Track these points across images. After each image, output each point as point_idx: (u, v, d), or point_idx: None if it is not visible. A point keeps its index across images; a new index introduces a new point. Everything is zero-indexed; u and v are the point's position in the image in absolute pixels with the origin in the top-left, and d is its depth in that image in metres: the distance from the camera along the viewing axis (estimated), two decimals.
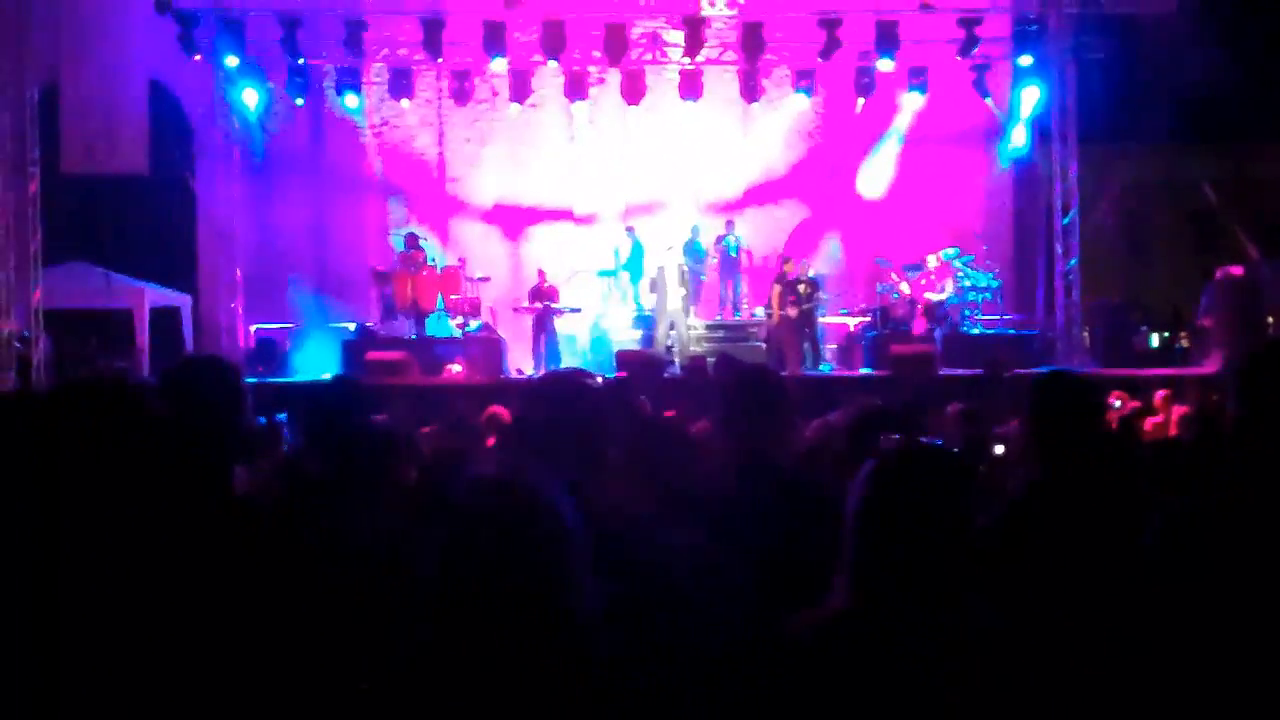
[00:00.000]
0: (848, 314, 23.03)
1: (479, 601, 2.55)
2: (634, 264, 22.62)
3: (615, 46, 21.64)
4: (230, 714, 2.76)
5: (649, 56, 22.94)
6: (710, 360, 18.41)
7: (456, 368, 19.85)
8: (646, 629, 2.90)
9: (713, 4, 23.08)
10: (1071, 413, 4.32)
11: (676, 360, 19.96)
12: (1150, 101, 22.95)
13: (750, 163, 24.61)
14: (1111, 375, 16.82)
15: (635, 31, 22.30)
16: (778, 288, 21.09)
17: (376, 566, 3.76)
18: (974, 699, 2.82)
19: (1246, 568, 3.38)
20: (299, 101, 22.95)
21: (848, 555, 2.99)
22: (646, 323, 21.70)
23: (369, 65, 23.05)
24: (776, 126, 24.45)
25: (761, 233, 23.81)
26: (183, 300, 23.32)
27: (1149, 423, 10.82)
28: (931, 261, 21.67)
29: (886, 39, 21.38)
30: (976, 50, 21.90)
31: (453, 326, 21.57)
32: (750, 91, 22.79)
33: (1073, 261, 22.29)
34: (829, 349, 22.03)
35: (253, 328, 23.09)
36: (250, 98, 22.78)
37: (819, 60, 22.10)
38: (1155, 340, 23.29)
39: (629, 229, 23.00)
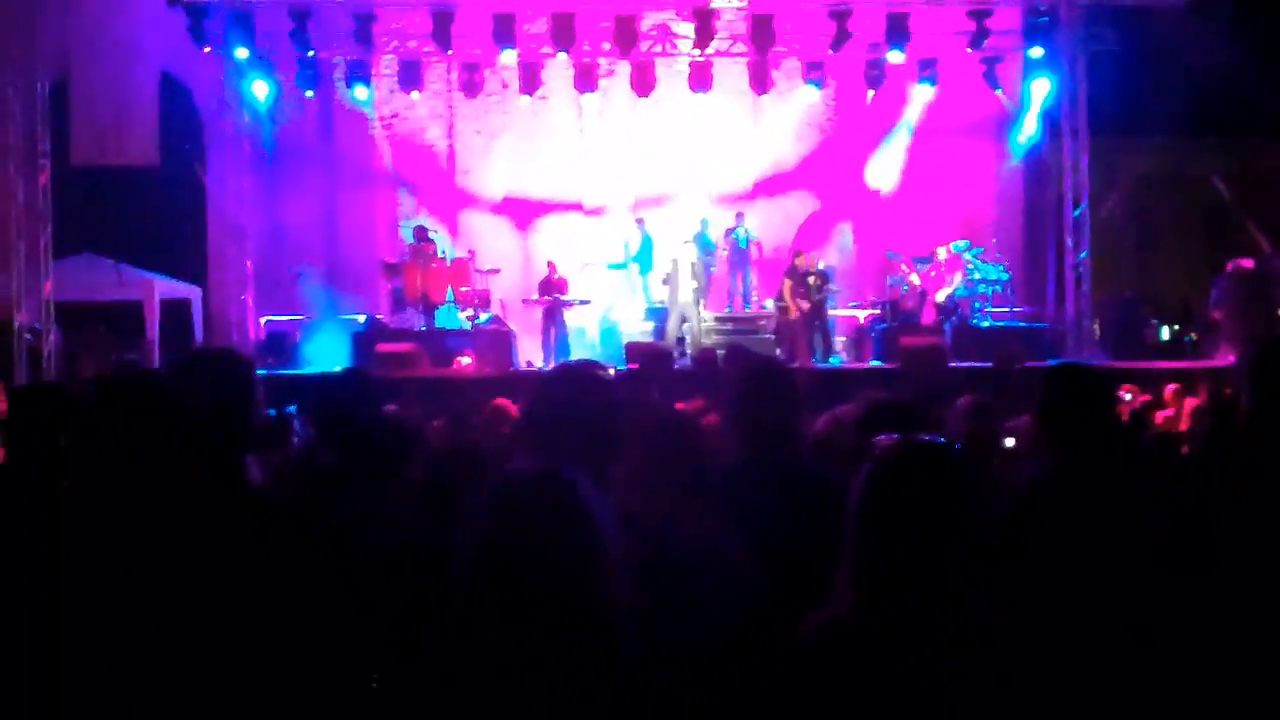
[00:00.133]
0: (858, 306, 23.02)
1: (515, 599, 2.53)
2: (644, 256, 22.63)
3: (625, 38, 21.63)
4: (247, 705, 2.76)
5: (659, 48, 22.91)
6: (720, 353, 18.40)
7: (466, 360, 19.83)
8: (658, 626, 2.90)
9: None
10: (1082, 406, 4.31)
11: (688, 353, 19.95)
12: (1161, 94, 22.88)
13: (760, 155, 24.60)
14: (1121, 368, 16.81)
15: (645, 23, 22.28)
16: (789, 281, 21.09)
17: (388, 560, 3.76)
18: (979, 698, 2.81)
19: (1260, 562, 3.37)
20: (309, 94, 22.96)
21: (849, 554, 2.98)
22: (657, 315, 21.71)
23: (378, 57, 23.04)
24: (786, 118, 24.43)
25: (771, 225, 23.80)
26: (193, 292, 23.32)
27: (1159, 416, 10.80)
28: (941, 254, 21.63)
29: (897, 31, 21.35)
30: (987, 42, 21.86)
31: (462, 319, 21.57)
32: (760, 83, 22.76)
33: (1083, 254, 22.25)
34: (839, 341, 22.02)
35: (263, 320, 23.11)
36: (260, 90, 22.80)
37: (829, 52, 22.08)
38: (1165, 333, 23.25)
39: (638, 221, 23.01)
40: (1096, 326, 22.41)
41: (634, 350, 18.83)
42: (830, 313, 21.54)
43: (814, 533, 3.54)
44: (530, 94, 22.83)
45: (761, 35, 21.53)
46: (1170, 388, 12.37)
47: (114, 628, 2.72)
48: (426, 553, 3.69)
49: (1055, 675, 3.11)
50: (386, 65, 23.41)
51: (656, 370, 16.68)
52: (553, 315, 21.62)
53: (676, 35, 22.85)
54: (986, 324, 21.51)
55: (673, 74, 22.83)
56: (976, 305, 21.81)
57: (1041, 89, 22.86)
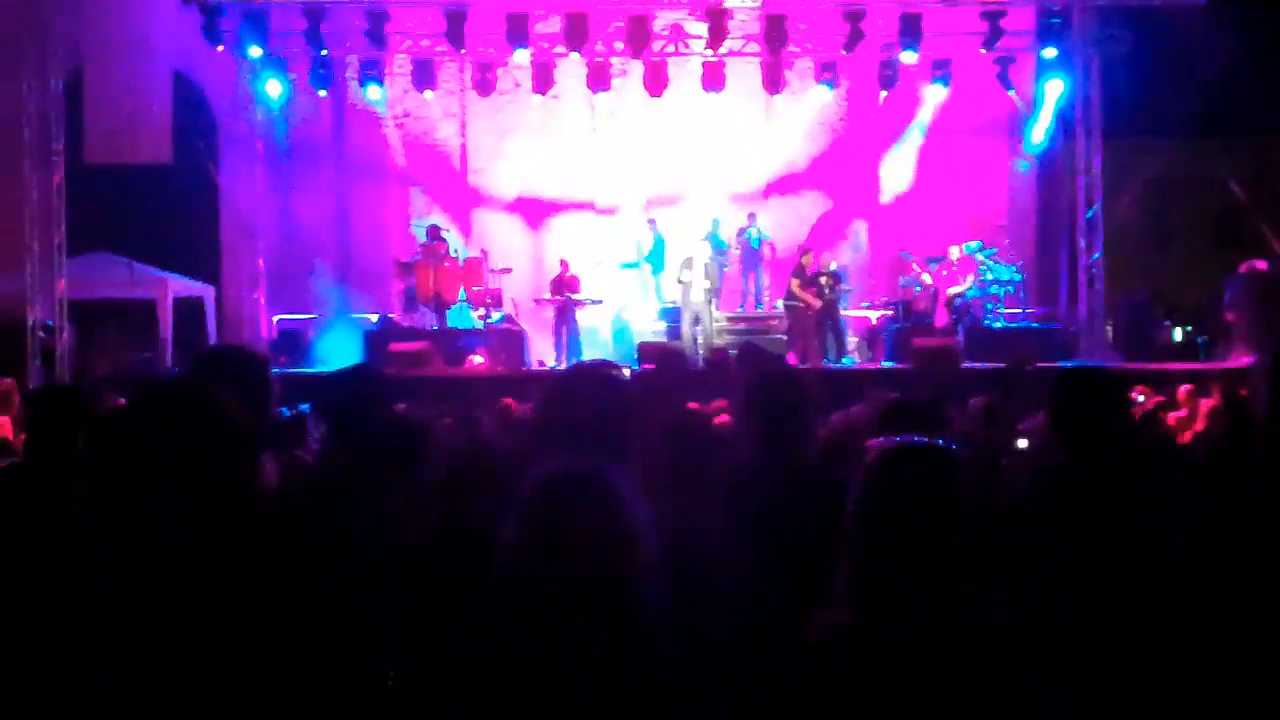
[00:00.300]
0: (870, 307, 23.01)
1: (556, 596, 2.52)
2: (656, 256, 22.63)
3: (638, 38, 21.61)
4: (261, 705, 2.76)
5: (672, 48, 22.89)
6: (732, 353, 18.40)
7: (478, 359, 19.87)
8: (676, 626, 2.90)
9: None
10: (1095, 409, 4.30)
11: (701, 353, 19.96)
12: (1175, 95, 22.84)
13: (772, 155, 24.59)
14: (1134, 369, 16.78)
15: (658, 23, 22.26)
16: (795, 280, 21.11)
17: (401, 558, 3.76)
18: (979, 699, 2.80)
19: (1277, 563, 3.36)
20: (322, 93, 23.01)
21: (848, 557, 2.98)
22: (669, 315, 21.71)
23: (391, 57, 23.06)
24: (799, 118, 24.42)
25: (784, 225, 23.78)
26: (206, 291, 23.37)
27: (1172, 417, 10.77)
28: (954, 254, 21.61)
29: (910, 31, 21.30)
30: (1000, 43, 21.81)
31: (474, 318, 21.60)
32: (773, 83, 22.73)
33: (1096, 255, 22.20)
34: (851, 341, 22.00)
35: (275, 318, 23.15)
36: (273, 89, 22.83)
37: (842, 52, 22.03)
38: (1178, 334, 23.20)
39: (650, 222, 23.02)
40: (1109, 327, 22.39)
41: (647, 350, 18.83)
42: (842, 313, 21.52)
43: (824, 534, 3.54)
44: (543, 93, 22.83)
45: (775, 35, 21.50)
46: (1183, 389, 12.32)
47: (131, 628, 2.72)
48: (441, 551, 3.69)
49: (1058, 676, 3.10)
50: (399, 65, 23.43)
51: (668, 370, 16.68)
52: (565, 314, 21.63)
53: (689, 35, 22.82)
54: (999, 325, 21.49)
55: (685, 74, 22.80)
56: (989, 306, 21.79)
57: (1055, 89, 22.80)
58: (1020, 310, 22.36)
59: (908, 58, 21.86)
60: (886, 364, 20.53)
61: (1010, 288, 22.20)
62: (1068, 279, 23.48)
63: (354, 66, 23.18)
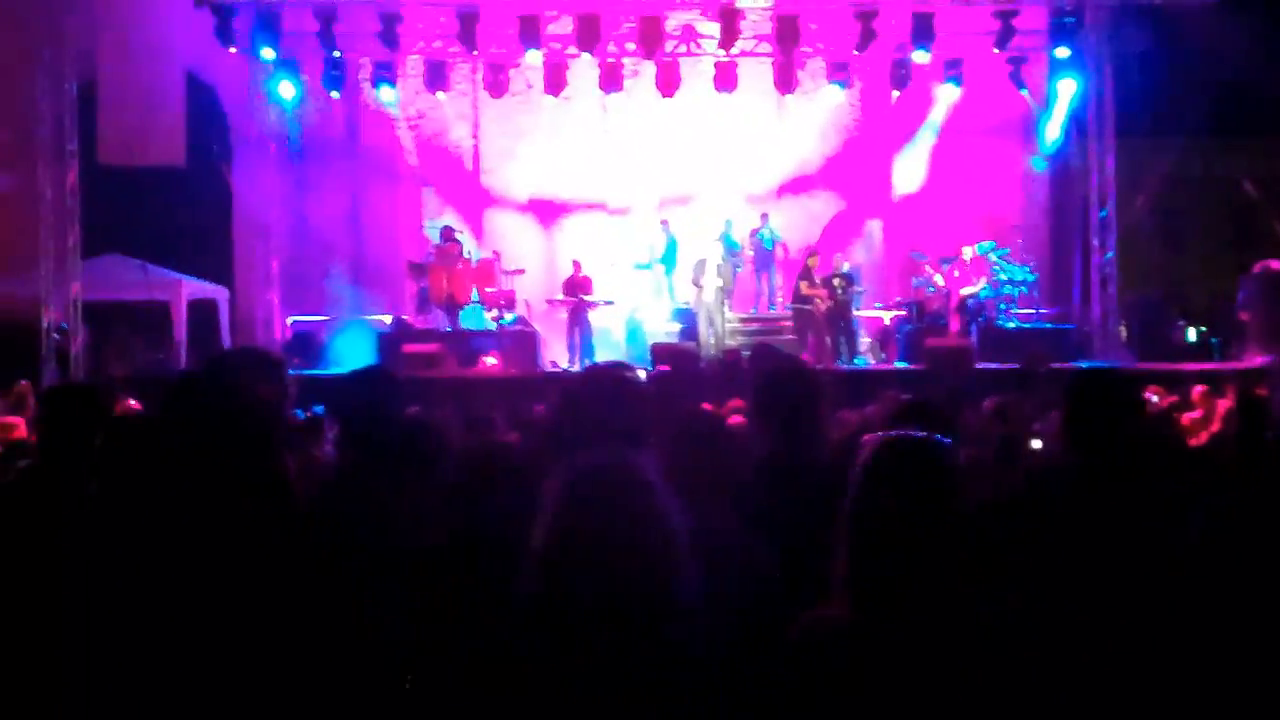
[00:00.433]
0: (883, 307, 22.99)
1: (593, 589, 2.51)
2: (668, 258, 22.63)
3: (650, 39, 21.61)
4: (278, 705, 2.76)
5: (684, 49, 22.90)
6: (745, 354, 18.40)
7: (491, 360, 19.88)
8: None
9: None
10: (1110, 409, 4.29)
11: (713, 353, 19.95)
12: (1188, 94, 22.77)
13: (785, 155, 24.58)
14: (1148, 369, 16.74)
15: (670, 24, 22.25)
16: (803, 282, 21.14)
17: (416, 559, 3.76)
18: (973, 695, 2.80)
19: None
20: (335, 94, 23.04)
21: (843, 552, 2.97)
22: (683, 316, 21.71)
23: (404, 58, 23.08)
24: (811, 118, 24.40)
25: (796, 226, 23.76)
26: (219, 292, 23.42)
27: (1186, 417, 10.75)
28: (966, 254, 21.59)
29: (922, 31, 21.29)
30: (1013, 42, 21.80)
31: (488, 319, 21.62)
32: (785, 83, 22.73)
33: (1109, 255, 22.16)
34: (864, 342, 21.99)
35: (289, 320, 23.19)
36: (286, 90, 22.87)
37: (854, 52, 22.02)
38: (1192, 334, 23.15)
39: (663, 223, 23.02)
40: (1123, 328, 22.35)
41: (660, 351, 18.83)
42: (855, 314, 21.51)
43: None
44: (555, 94, 22.85)
45: (787, 35, 21.49)
46: (1198, 389, 12.29)
47: (150, 626, 2.73)
48: (456, 552, 3.70)
49: (1061, 675, 3.10)
50: (412, 66, 23.45)
51: (681, 371, 16.69)
52: (578, 316, 21.64)
53: (701, 35, 22.84)
54: (1013, 325, 21.46)
55: (697, 74, 22.80)
56: (1002, 306, 21.76)
57: (1068, 89, 22.77)
58: (1033, 310, 22.34)
59: (920, 57, 21.85)
60: (899, 365, 20.52)
61: (1024, 288, 22.19)
62: (1081, 279, 23.44)
63: (367, 68, 23.25)
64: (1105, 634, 3.62)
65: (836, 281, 20.88)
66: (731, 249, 22.02)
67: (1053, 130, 23.55)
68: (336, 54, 22.14)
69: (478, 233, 24.29)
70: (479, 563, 3.56)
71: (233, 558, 2.79)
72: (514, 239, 24.11)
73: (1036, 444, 7.46)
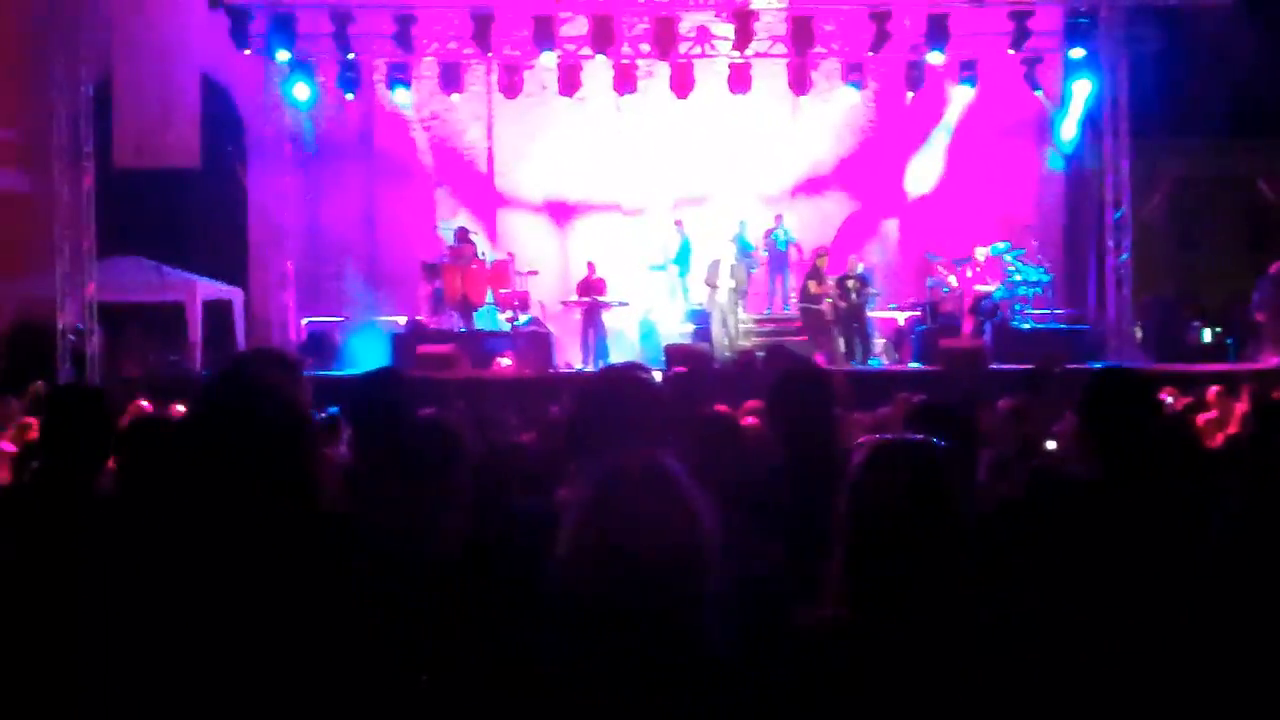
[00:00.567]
0: (897, 308, 22.97)
1: (624, 589, 2.49)
2: (682, 259, 22.65)
3: (664, 40, 21.62)
4: (294, 704, 2.76)
5: (698, 50, 22.89)
6: (759, 355, 18.40)
7: (506, 361, 19.90)
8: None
9: None
10: (1130, 408, 4.28)
11: (727, 354, 19.97)
12: (1203, 95, 22.74)
13: (799, 156, 24.58)
14: (1164, 370, 16.72)
15: (684, 25, 22.25)
16: (811, 282, 21.17)
17: (433, 560, 3.76)
18: (965, 698, 2.79)
19: None
20: (349, 96, 23.05)
21: (839, 553, 2.97)
22: (697, 317, 21.73)
23: (419, 59, 23.10)
24: (826, 119, 24.38)
25: (810, 226, 23.75)
26: (234, 293, 23.47)
27: (1201, 418, 10.73)
28: (980, 255, 21.58)
29: (937, 32, 21.26)
30: (1027, 43, 21.75)
31: (502, 320, 21.65)
32: (799, 84, 22.71)
33: (1124, 256, 22.11)
34: (878, 343, 21.98)
35: (304, 321, 23.23)
36: (301, 92, 22.89)
37: (869, 53, 22.01)
38: (1207, 335, 23.09)
39: (676, 224, 23.03)
40: (1138, 329, 22.31)
41: (674, 352, 18.84)
42: (869, 315, 21.51)
43: None
44: (570, 95, 22.85)
45: (801, 36, 21.48)
46: (1213, 390, 12.27)
47: (166, 626, 2.73)
48: (472, 553, 3.70)
49: (1067, 677, 3.09)
50: (427, 67, 23.47)
51: (698, 372, 16.71)
52: (592, 317, 21.67)
53: (716, 36, 22.82)
54: (1027, 326, 21.43)
55: (712, 75, 22.78)
56: (1017, 307, 21.73)
57: (1082, 90, 22.72)
58: (1048, 311, 22.30)
59: (935, 58, 21.83)
60: (914, 366, 20.51)
61: (1038, 288, 22.15)
62: (1096, 280, 23.40)
63: (381, 69, 23.26)
64: (1116, 636, 3.62)
65: (850, 283, 20.89)
66: (746, 250, 22.04)
67: (1068, 131, 23.49)
68: (351, 56, 22.17)
69: (492, 234, 24.31)
70: (496, 564, 3.57)
71: (258, 560, 2.78)
72: (528, 240, 24.14)
73: (1051, 444, 7.46)
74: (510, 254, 22.62)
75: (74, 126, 19.39)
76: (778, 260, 23.05)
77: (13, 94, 20.68)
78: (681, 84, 22.43)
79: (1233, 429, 9.42)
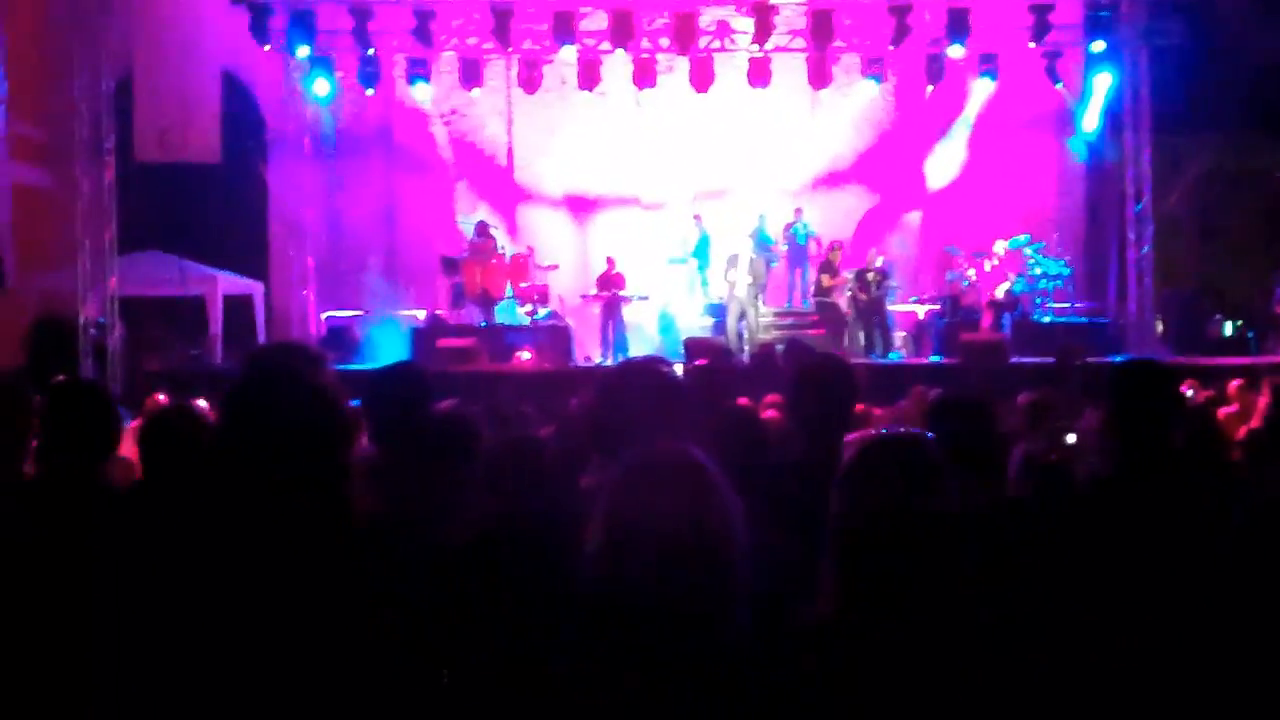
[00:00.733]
0: (917, 302, 22.94)
1: (653, 583, 2.47)
2: (701, 253, 22.65)
3: (684, 34, 21.63)
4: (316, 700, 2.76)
5: (717, 44, 22.87)
6: (779, 348, 18.40)
7: (525, 355, 19.93)
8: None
9: None
10: (1154, 402, 4.26)
11: (746, 348, 19.97)
12: (1225, 88, 22.62)
13: (818, 150, 24.56)
14: (1185, 364, 16.66)
15: (704, 19, 22.25)
16: (825, 275, 21.18)
17: (452, 553, 3.77)
18: (960, 697, 2.78)
19: None
20: (369, 91, 23.09)
21: (832, 551, 2.96)
22: (716, 311, 21.73)
23: (438, 55, 23.12)
24: (845, 113, 24.37)
25: (830, 220, 23.71)
26: (255, 288, 23.52)
27: (1222, 412, 10.69)
28: (999, 248, 21.54)
29: (957, 25, 21.22)
30: (1048, 36, 21.70)
31: (521, 314, 21.68)
32: (819, 78, 22.68)
33: (1145, 249, 22.07)
34: (898, 337, 21.96)
35: (324, 315, 23.30)
36: (321, 87, 22.95)
37: (889, 47, 21.98)
38: (1229, 328, 23.01)
39: (695, 218, 23.02)
40: (1159, 322, 22.25)
41: (693, 346, 18.85)
42: (889, 308, 21.50)
43: None
44: (589, 90, 22.85)
45: (821, 30, 21.47)
46: (1234, 383, 12.23)
47: (183, 618, 2.73)
48: (492, 547, 3.71)
49: (1076, 675, 3.08)
50: (446, 62, 23.49)
51: (719, 366, 16.68)
52: (611, 310, 21.69)
53: (735, 31, 22.80)
54: (1048, 319, 21.40)
55: (731, 69, 22.77)
56: (1037, 300, 21.69)
57: (1103, 83, 22.66)
58: (1069, 304, 22.26)
59: (955, 52, 21.78)
60: (934, 359, 20.49)
61: (1059, 282, 22.11)
62: (1117, 273, 23.35)
63: (401, 64, 23.27)
64: (1136, 633, 3.61)
65: (870, 276, 20.88)
66: (765, 243, 22.04)
67: (1088, 124, 23.42)
68: (371, 51, 22.22)
69: (511, 228, 24.35)
70: (514, 556, 3.57)
71: (287, 554, 2.78)
72: (548, 234, 24.17)
73: (1071, 438, 7.43)
74: (530, 248, 22.65)
75: (96, 122, 19.43)
76: (797, 254, 23.03)
77: (35, 90, 20.75)
78: (701, 78, 22.43)
79: (1255, 423, 9.39)
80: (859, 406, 6.27)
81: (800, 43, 22.50)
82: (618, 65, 22.66)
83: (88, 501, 4.14)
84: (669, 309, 22.41)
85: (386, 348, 19.83)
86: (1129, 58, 22.29)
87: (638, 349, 20.63)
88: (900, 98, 24.36)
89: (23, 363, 18.42)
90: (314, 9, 21.47)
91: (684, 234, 23.10)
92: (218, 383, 13.59)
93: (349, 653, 2.75)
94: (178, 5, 19.55)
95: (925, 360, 20.77)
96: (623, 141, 24.37)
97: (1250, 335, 21.81)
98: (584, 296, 22.56)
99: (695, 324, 21.83)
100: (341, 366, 18.48)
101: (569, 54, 22.03)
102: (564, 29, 21.34)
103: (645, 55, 22.50)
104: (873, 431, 3.20)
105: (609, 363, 20.24)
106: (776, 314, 22.33)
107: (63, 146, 19.68)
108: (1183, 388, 11.60)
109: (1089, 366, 15.57)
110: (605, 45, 22.05)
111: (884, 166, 24.50)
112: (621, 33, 21.42)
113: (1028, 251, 21.80)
